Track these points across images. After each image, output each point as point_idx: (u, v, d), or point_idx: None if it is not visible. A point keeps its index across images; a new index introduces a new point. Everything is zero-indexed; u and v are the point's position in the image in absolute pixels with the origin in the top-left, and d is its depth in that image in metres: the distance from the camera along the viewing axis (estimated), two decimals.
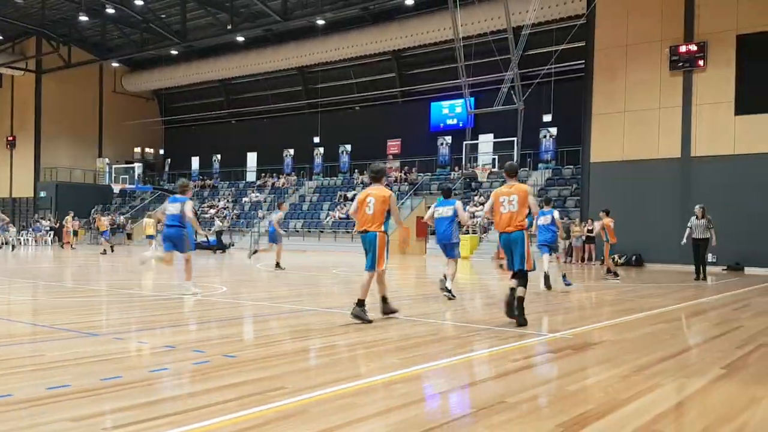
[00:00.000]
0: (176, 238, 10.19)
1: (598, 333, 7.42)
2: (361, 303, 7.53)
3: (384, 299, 8.00)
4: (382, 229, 7.71)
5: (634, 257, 23.47)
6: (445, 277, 10.46)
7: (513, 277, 7.76)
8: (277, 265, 16.98)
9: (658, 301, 11.16)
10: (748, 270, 21.39)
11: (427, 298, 11.25)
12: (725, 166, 22.16)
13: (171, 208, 10.27)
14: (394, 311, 8.01)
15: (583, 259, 24.66)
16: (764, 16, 21.63)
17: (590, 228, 24.34)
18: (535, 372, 5.47)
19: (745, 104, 21.88)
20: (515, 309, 7.60)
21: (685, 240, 16.80)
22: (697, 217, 16.58)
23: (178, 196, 10.41)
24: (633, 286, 14.50)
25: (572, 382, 4.98)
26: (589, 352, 6.23)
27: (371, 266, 7.67)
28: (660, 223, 23.21)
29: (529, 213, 7.91)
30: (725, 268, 21.64)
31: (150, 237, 26.16)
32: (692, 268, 17.06)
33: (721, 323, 8.72)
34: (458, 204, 10.65)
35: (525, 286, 7.66)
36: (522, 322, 7.53)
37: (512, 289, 7.66)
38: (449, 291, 10.28)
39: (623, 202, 24.12)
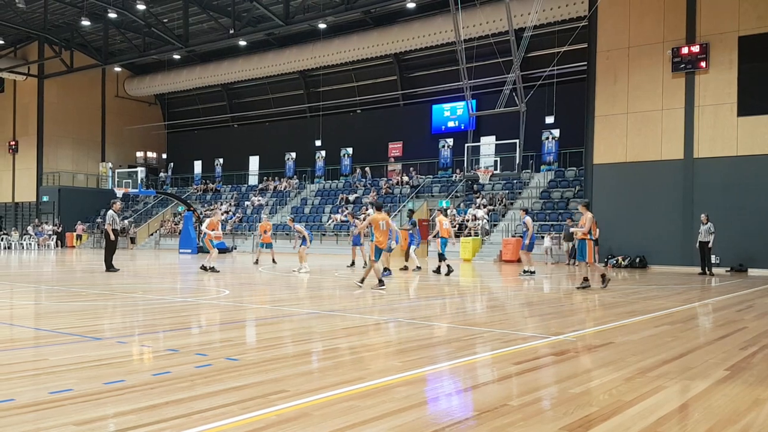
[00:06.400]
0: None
1: (601, 335, 7.39)
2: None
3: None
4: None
5: (637, 259, 23.41)
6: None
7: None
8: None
9: (661, 303, 11.13)
10: (751, 271, 21.32)
11: (429, 300, 11.23)
12: (728, 168, 22.10)
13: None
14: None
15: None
16: (766, 18, 21.61)
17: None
18: (538, 374, 5.45)
19: (747, 105, 21.83)
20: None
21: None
22: (702, 223, 20.43)
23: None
24: (636, 288, 14.46)
25: (576, 384, 4.96)
26: (593, 355, 6.21)
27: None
28: (663, 224, 23.16)
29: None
30: (729, 269, 21.60)
31: None
32: (696, 269, 21.00)
33: (724, 325, 8.69)
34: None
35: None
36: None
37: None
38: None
39: (626, 204, 24.10)
